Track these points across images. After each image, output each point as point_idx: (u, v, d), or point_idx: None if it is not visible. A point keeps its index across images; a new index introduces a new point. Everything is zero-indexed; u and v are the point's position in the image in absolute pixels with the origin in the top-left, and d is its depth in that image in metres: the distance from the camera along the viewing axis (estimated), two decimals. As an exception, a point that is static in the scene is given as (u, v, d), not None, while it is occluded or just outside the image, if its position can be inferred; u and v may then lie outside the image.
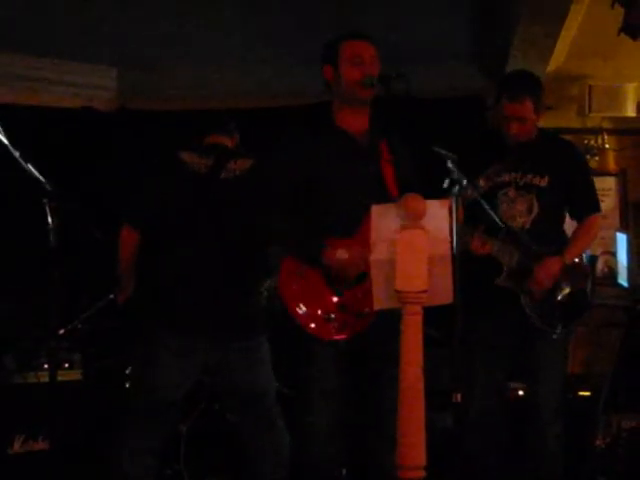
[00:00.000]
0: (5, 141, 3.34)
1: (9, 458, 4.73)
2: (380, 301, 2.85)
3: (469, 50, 6.19)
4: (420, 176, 3.76)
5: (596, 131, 6.59)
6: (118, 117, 6.81)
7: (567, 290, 4.25)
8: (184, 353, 3.82)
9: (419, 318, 2.73)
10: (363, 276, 3.41)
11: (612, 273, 6.54)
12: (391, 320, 2.91)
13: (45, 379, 4.77)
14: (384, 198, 3.42)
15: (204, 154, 4.02)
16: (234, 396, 4.03)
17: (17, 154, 3.32)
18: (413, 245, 2.73)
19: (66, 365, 5.04)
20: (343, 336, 3.57)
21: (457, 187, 3.48)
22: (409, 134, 3.77)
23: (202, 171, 3.99)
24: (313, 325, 3.55)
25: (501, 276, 4.17)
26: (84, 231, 5.78)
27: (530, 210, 4.25)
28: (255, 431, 3.99)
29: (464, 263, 3.34)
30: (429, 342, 2.84)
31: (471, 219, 3.98)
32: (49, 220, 4.22)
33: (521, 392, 5.10)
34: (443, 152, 3.45)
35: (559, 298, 4.22)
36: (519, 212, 4.26)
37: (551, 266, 4.15)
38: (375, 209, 2.87)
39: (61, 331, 4.93)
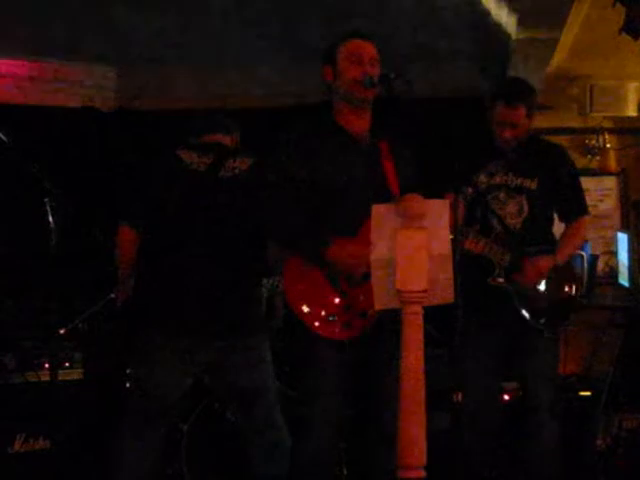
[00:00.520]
0: (6, 140, 3.34)
1: (10, 457, 4.73)
2: (381, 301, 2.85)
3: (470, 50, 6.19)
4: (421, 176, 3.76)
5: (597, 130, 6.60)
6: (118, 117, 6.81)
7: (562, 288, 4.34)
8: (183, 353, 3.82)
9: (420, 318, 2.73)
10: (367, 276, 3.41)
11: (613, 273, 6.54)
12: (393, 320, 2.91)
13: (46, 378, 4.77)
14: (386, 198, 3.43)
15: (203, 152, 4.01)
16: (234, 396, 4.02)
17: (18, 153, 3.33)
18: (413, 244, 2.73)
19: (67, 364, 5.04)
20: (347, 336, 3.57)
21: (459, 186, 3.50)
22: (410, 134, 3.77)
23: (201, 169, 3.98)
24: (318, 324, 3.55)
25: (493, 275, 4.23)
26: (84, 230, 5.82)
27: (520, 212, 4.31)
28: (255, 430, 3.99)
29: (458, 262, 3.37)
30: (430, 341, 2.84)
31: (464, 219, 4.02)
32: (50, 219, 4.24)
33: (515, 392, 5.10)
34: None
35: (548, 294, 4.29)
36: (510, 214, 4.31)
37: (541, 263, 4.22)
38: (375, 209, 2.87)
39: (62, 330, 4.94)
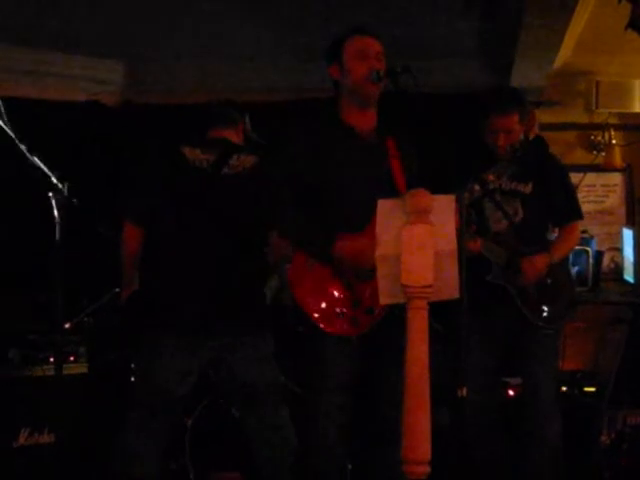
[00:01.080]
0: (11, 134, 3.34)
1: (15, 451, 4.74)
2: (386, 296, 2.86)
3: (475, 46, 6.18)
4: (427, 171, 3.76)
5: (603, 127, 6.59)
6: (124, 111, 6.81)
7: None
8: (188, 349, 3.82)
9: (425, 313, 2.73)
10: (374, 271, 3.41)
11: (618, 269, 6.54)
12: (399, 316, 2.91)
13: (51, 372, 4.77)
14: (392, 194, 3.43)
15: (206, 149, 4.00)
16: (239, 392, 4.02)
17: (23, 147, 3.32)
18: (419, 240, 2.73)
19: (72, 358, 5.05)
20: (354, 332, 3.57)
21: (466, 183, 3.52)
22: (416, 129, 3.77)
23: (204, 167, 3.97)
24: (324, 321, 3.55)
25: (491, 273, 4.33)
26: (89, 225, 5.81)
27: (515, 215, 4.40)
28: (260, 426, 3.99)
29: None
30: (435, 337, 2.84)
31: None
32: (55, 214, 4.23)
33: (517, 387, 5.12)
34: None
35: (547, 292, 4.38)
36: (504, 216, 4.38)
37: (539, 261, 4.31)
38: (381, 204, 2.87)
39: (67, 325, 4.94)
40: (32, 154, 3.37)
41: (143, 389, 3.95)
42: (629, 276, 6.26)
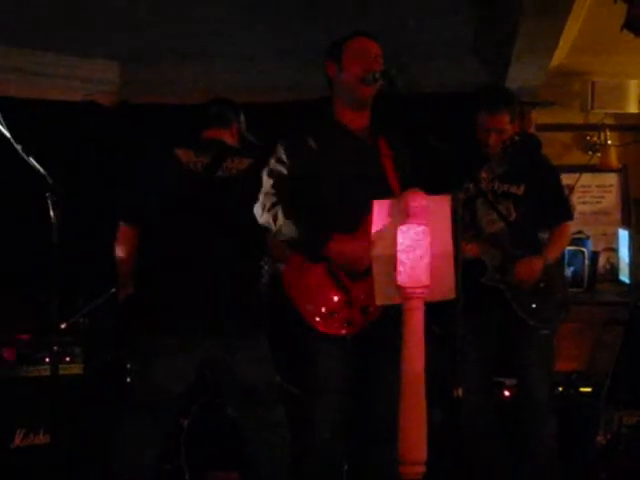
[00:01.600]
0: (7, 134, 3.33)
1: (10, 452, 4.73)
2: (382, 296, 2.86)
3: (471, 45, 6.18)
4: (423, 172, 3.76)
5: (598, 127, 6.59)
6: (120, 111, 6.80)
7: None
8: (185, 350, 3.82)
9: (420, 313, 2.73)
10: (368, 271, 3.40)
11: (614, 269, 6.54)
12: (395, 316, 2.91)
13: (46, 373, 4.77)
14: (387, 194, 3.44)
15: (200, 152, 4.00)
16: (235, 391, 4.03)
17: (19, 147, 3.32)
18: (414, 240, 2.73)
19: (67, 359, 5.04)
20: (349, 332, 3.56)
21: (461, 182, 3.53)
22: (411, 130, 3.77)
23: (198, 170, 3.97)
24: (319, 321, 3.55)
25: (486, 274, 4.35)
26: (86, 225, 5.81)
27: (508, 216, 4.40)
28: (256, 427, 3.99)
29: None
30: (431, 337, 2.84)
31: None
32: (51, 214, 4.23)
33: (513, 387, 5.13)
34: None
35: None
36: (497, 218, 4.36)
37: (533, 263, 4.34)
38: (376, 204, 2.87)
39: (62, 325, 4.93)
40: (28, 154, 3.36)
41: (141, 389, 3.96)
42: (625, 277, 6.27)
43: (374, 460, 3.77)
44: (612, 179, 6.70)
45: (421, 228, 2.74)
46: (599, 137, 6.59)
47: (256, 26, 5.79)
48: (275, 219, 3.63)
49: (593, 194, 6.71)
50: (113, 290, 4.80)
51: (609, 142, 6.58)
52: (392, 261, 2.76)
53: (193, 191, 3.94)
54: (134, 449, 3.85)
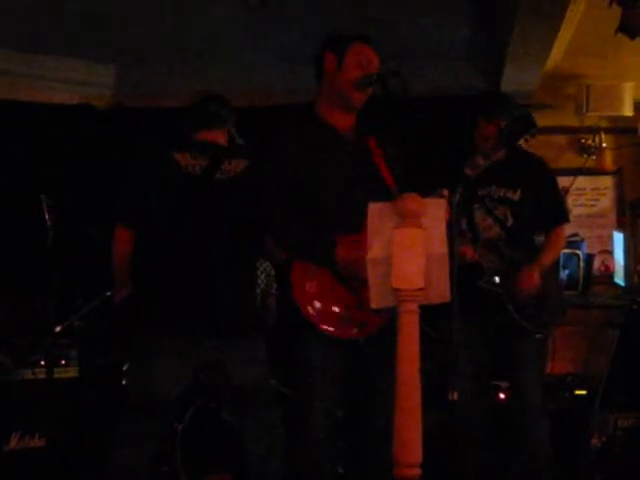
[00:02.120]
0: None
1: (5, 455, 4.73)
2: (377, 299, 2.85)
3: (467, 49, 6.19)
4: (417, 174, 3.76)
5: (593, 130, 6.61)
6: (115, 114, 6.80)
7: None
8: (181, 352, 3.82)
9: (416, 316, 2.73)
10: None
11: (609, 272, 6.55)
12: (390, 319, 2.91)
13: (42, 376, 4.77)
14: (384, 194, 3.46)
15: (197, 154, 3.99)
16: (230, 394, 4.03)
17: (13, 150, 3.32)
18: (410, 243, 2.73)
19: (62, 362, 5.04)
20: (361, 334, 3.56)
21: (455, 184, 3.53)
22: (406, 133, 3.77)
23: (196, 173, 3.96)
24: (330, 325, 3.53)
25: (484, 278, 4.34)
26: (81, 228, 5.81)
27: (505, 221, 4.44)
28: (251, 429, 3.99)
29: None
30: (426, 340, 2.84)
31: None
32: (46, 217, 4.23)
33: (506, 390, 5.14)
34: None
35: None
36: (494, 223, 4.42)
37: (532, 274, 4.33)
38: (372, 207, 2.87)
39: (58, 328, 4.93)
40: (23, 157, 3.37)
41: (135, 392, 3.94)
42: (620, 279, 6.28)
43: (368, 463, 3.76)
44: (607, 182, 6.72)
45: (416, 231, 2.74)
46: (594, 140, 6.62)
47: (253, 29, 5.79)
48: (280, 226, 3.63)
49: (588, 197, 6.73)
50: (108, 293, 4.79)
51: (604, 145, 6.60)
52: (387, 264, 2.75)
53: (192, 194, 3.93)
54: (130, 452, 3.84)
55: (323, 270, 3.54)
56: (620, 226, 6.54)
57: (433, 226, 2.79)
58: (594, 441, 5.06)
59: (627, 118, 6.46)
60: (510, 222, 4.43)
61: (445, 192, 3.42)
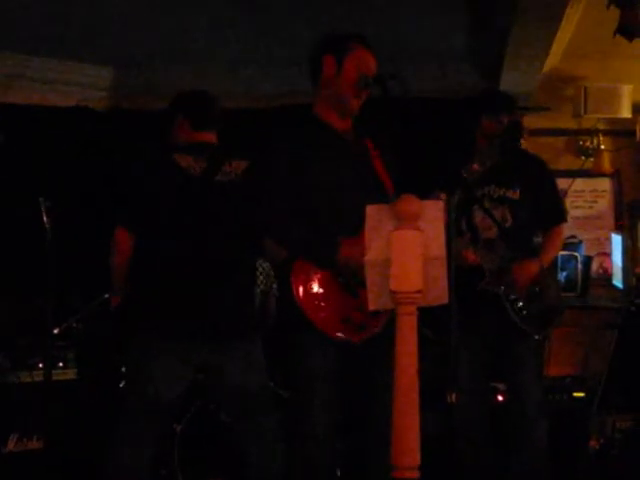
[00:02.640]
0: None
1: (3, 457, 4.73)
2: (375, 301, 2.85)
3: (465, 50, 6.19)
4: (414, 176, 3.76)
5: (591, 132, 6.62)
6: (114, 116, 6.80)
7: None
8: (180, 354, 3.81)
9: (414, 318, 2.73)
10: None
11: (607, 274, 6.55)
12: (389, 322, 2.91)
13: (40, 378, 4.77)
14: (384, 195, 3.46)
15: (198, 155, 3.98)
16: (229, 396, 4.02)
17: (12, 153, 3.31)
18: (408, 245, 2.73)
19: (61, 364, 5.04)
20: (362, 336, 3.56)
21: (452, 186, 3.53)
22: (403, 134, 3.77)
23: (197, 174, 3.94)
24: (329, 326, 3.53)
25: (484, 280, 4.34)
26: (79, 230, 5.81)
27: (504, 221, 4.45)
28: (249, 432, 3.99)
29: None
30: (424, 342, 2.84)
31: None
32: (44, 219, 4.22)
33: (504, 392, 5.14)
34: None
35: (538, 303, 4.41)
36: (494, 223, 4.39)
37: (529, 266, 4.36)
38: (370, 210, 2.87)
39: (56, 330, 4.93)
40: (21, 159, 3.36)
41: (133, 395, 3.94)
42: (618, 281, 6.28)
43: (367, 465, 3.76)
44: (605, 184, 6.73)
45: (414, 233, 2.75)
46: (592, 142, 6.62)
47: (251, 31, 5.79)
48: (282, 227, 3.62)
49: (586, 199, 6.74)
50: (106, 295, 4.79)
51: (602, 147, 6.60)
52: (385, 266, 2.76)
53: (193, 196, 3.92)
54: (130, 452, 3.84)
55: (323, 271, 3.54)
56: (618, 229, 6.55)
57: (431, 228, 2.79)
58: (592, 443, 5.07)
59: (625, 120, 6.46)
60: (509, 222, 4.43)
61: (443, 195, 3.42)
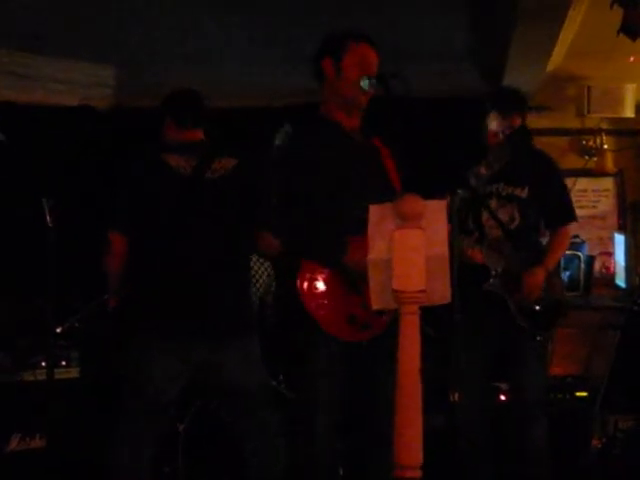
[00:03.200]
0: (2, 139, 3.33)
1: (6, 456, 4.73)
2: (378, 301, 2.85)
3: (468, 50, 6.19)
4: (419, 176, 3.75)
5: (595, 132, 6.62)
6: (116, 115, 6.80)
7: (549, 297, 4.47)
8: (180, 353, 3.82)
9: (416, 318, 2.73)
10: None
11: (610, 274, 6.55)
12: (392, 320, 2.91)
13: (42, 377, 4.76)
14: (392, 191, 3.47)
15: (188, 154, 3.98)
16: (228, 395, 4.02)
17: (15, 152, 3.31)
18: (411, 245, 2.73)
19: (63, 363, 5.04)
20: (367, 335, 3.55)
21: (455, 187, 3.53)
22: (407, 134, 3.76)
23: (187, 173, 3.95)
24: (334, 325, 3.53)
25: (489, 281, 4.35)
26: (79, 230, 5.80)
27: (512, 219, 4.45)
28: (249, 430, 3.99)
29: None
30: (427, 341, 2.84)
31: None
32: (47, 218, 4.22)
33: (506, 392, 5.14)
34: None
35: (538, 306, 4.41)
36: (502, 222, 4.39)
37: (537, 276, 4.35)
38: (373, 209, 2.87)
39: (58, 329, 4.93)
40: (24, 159, 3.36)
41: (133, 394, 3.94)
42: (621, 281, 6.28)
43: (369, 464, 3.76)
44: (608, 183, 6.72)
45: (417, 233, 2.74)
46: (595, 141, 6.62)
47: (253, 30, 5.79)
48: (289, 226, 3.62)
49: (589, 198, 6.74)
50: (106, 296, 4.79)
51: (605, 146, 6.60)
52: (388, 265, 2.75)
53: (184, 195, 3.92)
54: (130, 452, 3.85)
55: (329, 271, 3.54)
56: (621, 228, 6.55)
57: (433, 227, 2.79)
58: (595, 443, 5.06)
59: (628, 120, 6.47)
60: (517, 221, 4.43)
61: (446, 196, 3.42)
